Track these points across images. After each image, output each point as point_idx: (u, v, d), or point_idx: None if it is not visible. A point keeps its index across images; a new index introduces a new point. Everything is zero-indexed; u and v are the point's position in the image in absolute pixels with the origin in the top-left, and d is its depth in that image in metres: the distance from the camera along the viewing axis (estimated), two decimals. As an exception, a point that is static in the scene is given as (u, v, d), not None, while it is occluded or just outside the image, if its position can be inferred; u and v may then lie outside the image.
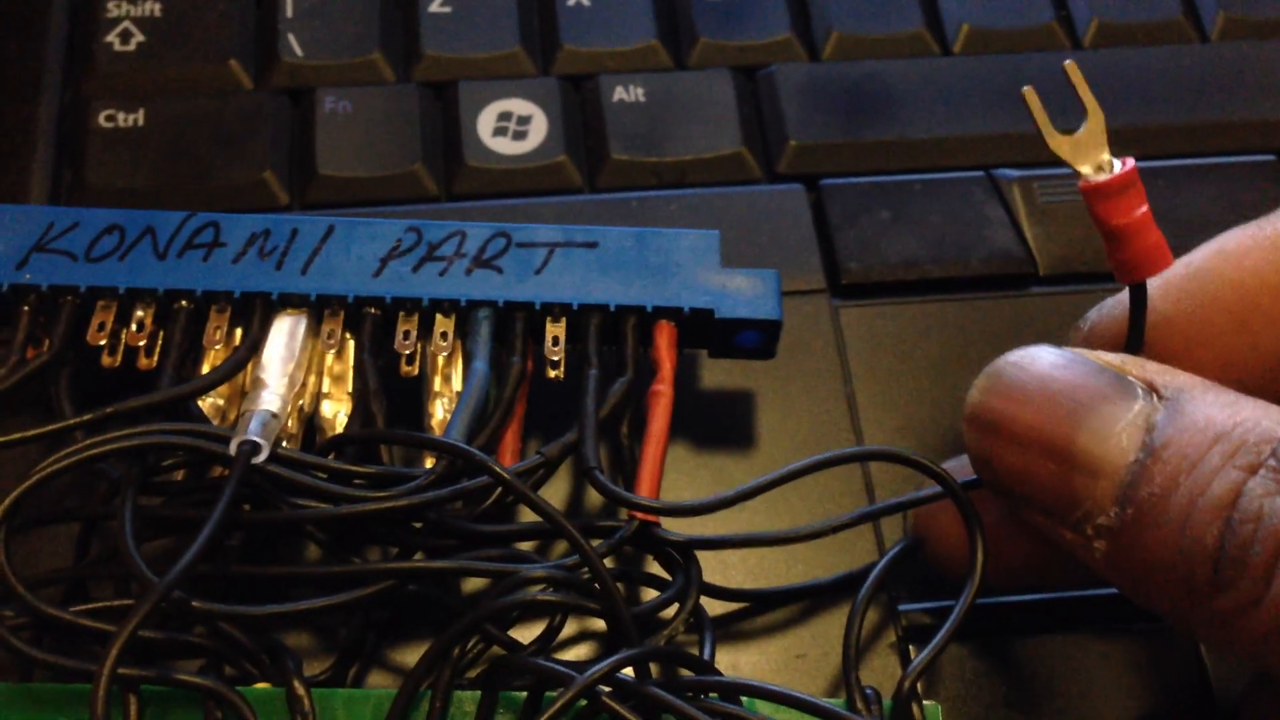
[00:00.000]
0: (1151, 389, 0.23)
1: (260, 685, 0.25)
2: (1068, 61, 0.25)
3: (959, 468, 0.27)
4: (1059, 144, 0.25)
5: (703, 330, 0.29)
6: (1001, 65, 0.37)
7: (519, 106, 0.35)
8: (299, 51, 0.36)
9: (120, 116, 0.34)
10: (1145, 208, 0.25)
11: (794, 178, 0.35)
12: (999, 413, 0.24)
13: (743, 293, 0.29)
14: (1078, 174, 0.25)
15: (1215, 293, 0.26)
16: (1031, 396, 0.24)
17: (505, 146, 0.35)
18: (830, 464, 0.26)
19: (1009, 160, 0.35)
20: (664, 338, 0.28)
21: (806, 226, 0.34)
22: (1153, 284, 0.26)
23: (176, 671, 0.24)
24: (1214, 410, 0.22)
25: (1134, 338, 0.26)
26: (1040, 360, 0.24)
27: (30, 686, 0.25)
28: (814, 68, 0.37)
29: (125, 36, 0.36)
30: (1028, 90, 0.25)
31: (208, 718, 0.24)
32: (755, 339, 0.29)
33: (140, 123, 0.34)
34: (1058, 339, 0.26)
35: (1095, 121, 0.25)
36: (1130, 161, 0.25)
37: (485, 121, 0.35)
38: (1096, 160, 0.25)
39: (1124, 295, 0.26)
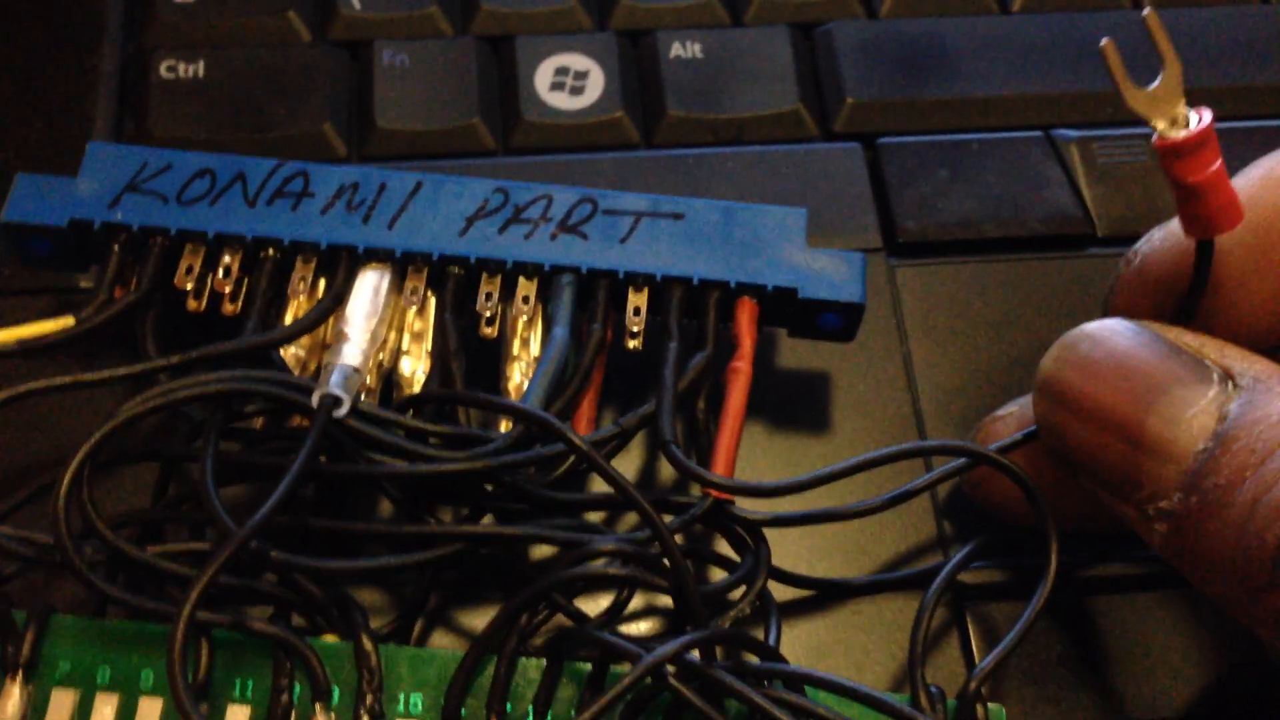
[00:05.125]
0: (1228, 376, 0.23)
1: (328, 637, 0.25)
2: (1147, 10, 0.25)
3: (1019, 411, 0.27)
4: (1135, 98, 0.24)
5: (784, 309, 0.28)
6: (1061, 24, 0.36)
7: (576, 61, 0.35)
8: (356, 4, 0.36)
9: (181, 67, 0.34)
10: (1219, 163, 0.24)
11: (851, 136, 0.34)
12: (1070, 386, 0.24)
13: (827, 273, 0.28)
14: (1153, 129, 0.24)
15: (1270, 221, 0.25)
16: (1104, 373, 0.24)
17: (562, 101, 0.34)
18: (908, 455, 0.26)
19: (1068, 120, 0.35)
20: (746, 315, 0.28)
21: (863, 185, 0.33)
22: None
23: (250, 619, 0.24)
24: None
25: (1195, 291, 0.25)
26: (1116, 336, 0.24)
27: (103, 623, 0.25)
28: (872, 25, 0.36)
29: (186, -13, 0.36)
30: (1107, 42, 0.24)
31: (277, 666, 0.24)
32: (836, 321, 0.29)
33: (201, 74, 0.34)
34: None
35: (1172, 73, 0.24)
36: (1207, 115, 0.24)
37: (542, 76, 0.35)
38: (1171, 114, 0.24)
39: (1172, 226, 0.25)
